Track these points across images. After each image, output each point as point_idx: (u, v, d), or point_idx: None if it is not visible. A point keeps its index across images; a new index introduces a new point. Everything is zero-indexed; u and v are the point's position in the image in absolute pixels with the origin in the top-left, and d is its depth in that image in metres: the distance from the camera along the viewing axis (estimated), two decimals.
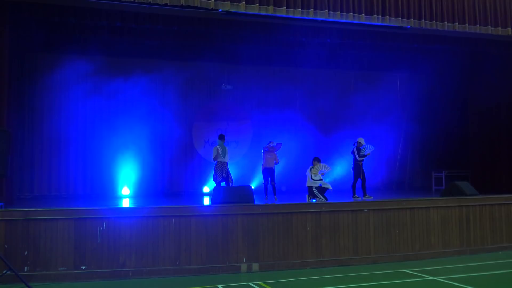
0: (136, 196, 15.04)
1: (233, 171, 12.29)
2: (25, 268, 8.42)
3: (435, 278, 8.62)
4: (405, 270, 9.31)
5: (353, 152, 12.26)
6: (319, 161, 11.51)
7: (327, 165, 11.48)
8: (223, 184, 11.59)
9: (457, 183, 12.10)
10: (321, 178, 11.32)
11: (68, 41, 13.49)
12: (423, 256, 10.47)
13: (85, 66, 14.63)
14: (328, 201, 10.79)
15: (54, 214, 8.74)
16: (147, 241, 8.96)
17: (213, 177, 11.68)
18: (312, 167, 11.42)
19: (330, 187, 11.30)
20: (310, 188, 11.28)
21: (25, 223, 8.55)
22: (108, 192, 15.18)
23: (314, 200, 11.07)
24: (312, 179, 11.29)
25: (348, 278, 8.83)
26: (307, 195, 11.31)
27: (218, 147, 11.68)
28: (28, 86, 14.80)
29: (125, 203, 12.35)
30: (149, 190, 15.59)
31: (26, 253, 8.48)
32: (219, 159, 11.62)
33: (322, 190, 11.19)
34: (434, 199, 11.25)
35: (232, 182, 11.71)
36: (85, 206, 10.08)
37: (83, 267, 8.64)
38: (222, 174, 11.55)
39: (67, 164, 15.27)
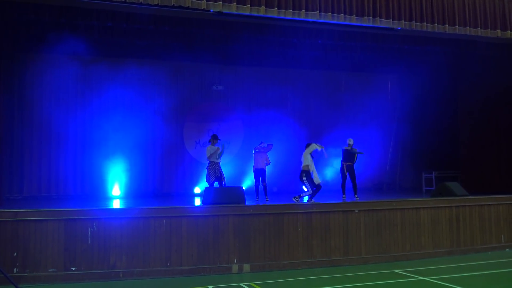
0: (126, 197, 14.98)
1: (224, 171, 12.27)
2: (15, 269, 8.37)
3: (426, 278, 8.67)
4: (395, 271, 9.36)
5: (343, 153, 12.28)
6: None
7: (320, 144, 11.51)
8: (216, 184, 11.57)
9: (447, 184, 12.18)
10: (312, 160, 11.30)
11: (59, 41, 13.39)
12: (414, 256, 10.53)
13: (75, 67, 14.58)
14: (314, 199, 10.95)
15: (44, 215, 8.69)
16: (138, 242, 8.93)
17: (206, 177, 11.66)
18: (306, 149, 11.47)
19: (319, 181, 11.29)
20: (302, 172, 11.25)
21: (14, 224, 8.49)
22: (98, 192, 15.10)
23: (304, 200, 11.11)
24: (305, 160, 11.28)
25: (339, 278, 8.86)
26: (293, 197, 11.20)
27: (211, 147, 11.69)
28: (17, 86, 14.70)
29: (116, 204, 12.29)
30: (139, 191, 15.53)
31: (15, 254, 8.42)
32: (212, 160, 11.62)
33: (312, 180, 11.21)
34: (424, 200, 11.32)
35: (225, 182, 11.70)
36: (75, 207, 10.02)
37: (73, 268, 8.59)
38: (215, 175, 11.54)
39: (57, 165, 15.18)
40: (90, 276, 8.61)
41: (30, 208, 9.15)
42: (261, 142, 12.51)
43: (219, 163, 11.71)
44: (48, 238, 8.57)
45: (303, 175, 11.24)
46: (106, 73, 15.34)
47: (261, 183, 12.35)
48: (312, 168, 11.28)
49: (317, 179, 11.23)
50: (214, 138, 11.84)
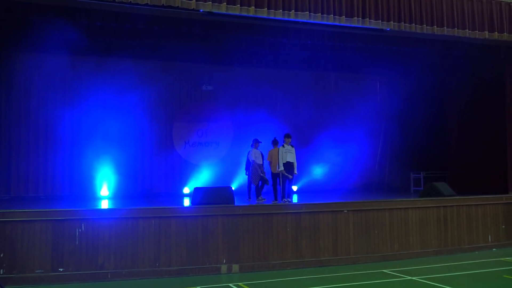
0: (115, 197, 14.89)
1: (213, 172, 12.33)
2: (1, 270, 8.29)
3: (414, 278, 8.73)
4: (384, 270, 9.41)
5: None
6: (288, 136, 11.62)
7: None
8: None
9: (435, 184, 12.27)
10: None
11: (47, 40, 13.31)
12: (402, 256, 10.59)
13: (64, 65, 14.47)
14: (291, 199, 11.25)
15: (31, 215, 8.61)
16: (126, 242, 8.89)
17: (252, 178, 12.07)
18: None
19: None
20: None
21: (1, 225, 8.40)
22: (87, 193, 15.00)
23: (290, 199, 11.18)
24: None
25: (328, 278, 8.89)
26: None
27: (255, 150, 12.23)
28: (5, 85, 14.59)
29: (104, 204, 12.21)
30: (128, 191, 15.45)
31: (2, 255, 8.34)
32: (258, 162, 12.09)
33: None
34: (412, 200, 11.39)
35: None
36: (63, 207, 9.95)
37: (61, 269, 8.53)
38: (260, 174, 12.01)
39: (45, 165, 15.06)
40: (78, 277, 8.55)
41: (17, 209, 9.08)
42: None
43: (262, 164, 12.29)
44: (36, 238, 8.50)
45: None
46: (95, 72, 15.26)
47: (278, 184, 12.19)
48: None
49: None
50: (257, 142, 12.40)
